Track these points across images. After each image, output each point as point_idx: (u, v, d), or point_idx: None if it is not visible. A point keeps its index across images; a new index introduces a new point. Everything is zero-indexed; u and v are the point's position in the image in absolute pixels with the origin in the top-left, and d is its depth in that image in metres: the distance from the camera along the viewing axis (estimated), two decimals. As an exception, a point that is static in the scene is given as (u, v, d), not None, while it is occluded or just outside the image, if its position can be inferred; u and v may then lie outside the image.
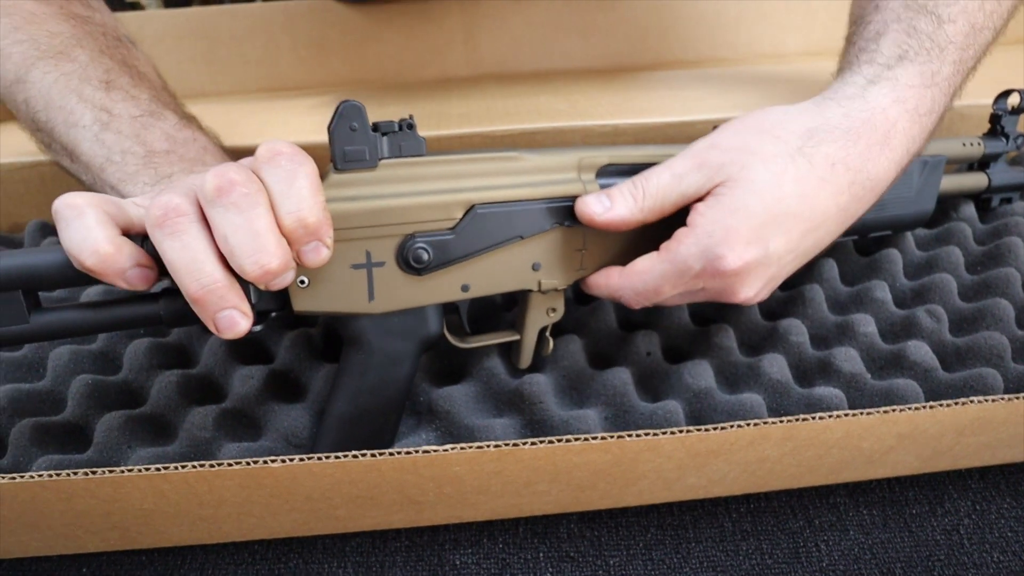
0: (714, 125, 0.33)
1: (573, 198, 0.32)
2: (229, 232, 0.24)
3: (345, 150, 0.28)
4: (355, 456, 0.28)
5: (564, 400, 0.37)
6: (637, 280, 0.32)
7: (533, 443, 0.29)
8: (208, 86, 0.59)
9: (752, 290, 0.32)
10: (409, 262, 0.30)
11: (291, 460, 0.28)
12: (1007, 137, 0.44)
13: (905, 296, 0.43)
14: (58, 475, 0.28)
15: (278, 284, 0.26)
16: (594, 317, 0.41)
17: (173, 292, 0.28)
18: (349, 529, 0.36)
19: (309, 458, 0.28)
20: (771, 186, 0.30)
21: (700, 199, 0.31)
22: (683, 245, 0.30)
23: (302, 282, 0.29)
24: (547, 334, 0.36)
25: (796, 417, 0.29)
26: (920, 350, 0.37)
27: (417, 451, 0.28)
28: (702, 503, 0.36)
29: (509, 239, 0.31)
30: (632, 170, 0.33)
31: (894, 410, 0.29)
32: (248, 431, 0.37)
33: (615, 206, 0.31)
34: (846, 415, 0.29)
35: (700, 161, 0.31)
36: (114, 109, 0.34)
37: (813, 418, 0.29)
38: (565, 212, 0.32)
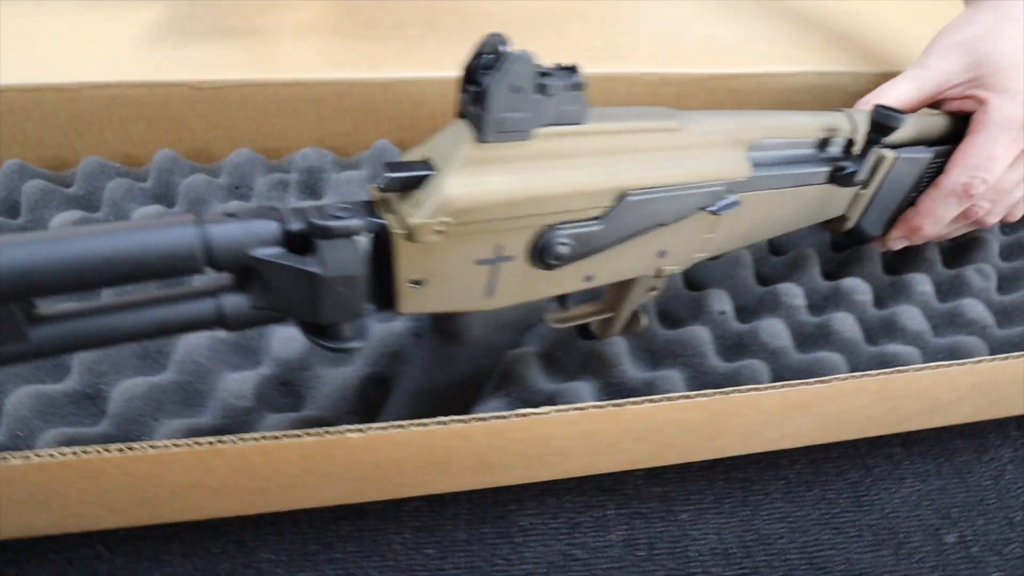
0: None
1: (726, 182, 0.26)
2: None
3: (502, 117, 0.19)
4: (442, 423, 0.23)
5: (638, 361, 0.33)
6: (974, 162, 0.32)
7: (635, 403, 0.25)
8: None
9: None
10: (544, 258, 0.23)
11: (370, 429, 0.23)
12: None
13: (950, 255, 0.41)
14: (86, 452, 0.21)
15: None
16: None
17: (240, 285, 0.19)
18: (404, 495, 0.31)
19: (392, 426, 0.23)
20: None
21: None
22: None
23: (415, 283, 0.21)
24: (639, 310, 0.30)
25: (893, 369, 0.27)
26: (975, 308, 0.36)
27: (512, 415, 0.24)
28: (764, 456, 0.34)
29: (649, 227, 0.25)
30: (783, 145, 0.27)
31: (979, 361, 0.28)
32: (288, 400, 0.30)
33: None
34: (941, 366, 0.27)
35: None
36: None
37: (907, 370, 0.27)
38: (712, 196, 0.26)
